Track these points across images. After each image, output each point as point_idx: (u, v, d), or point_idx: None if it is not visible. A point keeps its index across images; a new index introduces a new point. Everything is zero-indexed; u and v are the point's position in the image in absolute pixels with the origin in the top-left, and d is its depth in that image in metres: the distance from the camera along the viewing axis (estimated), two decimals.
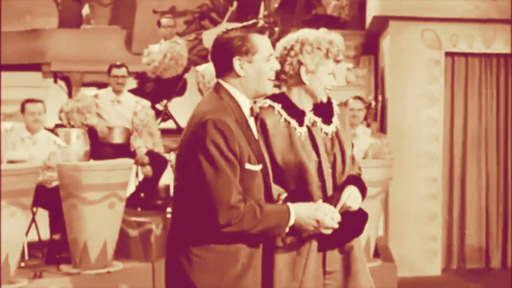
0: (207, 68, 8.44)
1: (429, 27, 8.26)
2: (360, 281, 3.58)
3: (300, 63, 3.45)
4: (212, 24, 10.23)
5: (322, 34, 3.50)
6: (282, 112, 3.45)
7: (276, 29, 9.59)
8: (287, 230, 3.20)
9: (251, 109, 3.25)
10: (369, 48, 9.76)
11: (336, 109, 3.58)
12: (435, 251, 8.18)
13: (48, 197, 6.63)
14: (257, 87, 3.21)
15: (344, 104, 7.54)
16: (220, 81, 3.21)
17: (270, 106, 3.47)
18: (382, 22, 8.59)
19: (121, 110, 7.89)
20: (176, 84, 9.03)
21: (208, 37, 9.17)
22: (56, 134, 7.53)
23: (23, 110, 6.89)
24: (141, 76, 9.19)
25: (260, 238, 3.24)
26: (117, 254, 6.74)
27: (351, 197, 3.43)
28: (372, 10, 8.61)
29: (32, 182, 6.03)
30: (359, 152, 7.35)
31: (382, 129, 8.58)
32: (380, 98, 8.72)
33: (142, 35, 10.53)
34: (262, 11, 9.86)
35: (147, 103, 8.08)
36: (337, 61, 3.52)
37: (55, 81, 9.47)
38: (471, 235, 8.36)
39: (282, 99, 3.50)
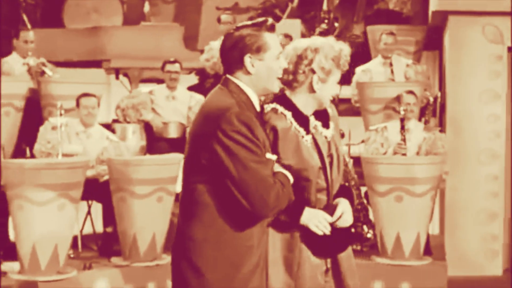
0: None
1: (490, 21, 8.06)
2: (345, 278, 3.60)
3: (313, 71, 3.49)
4: (275, 20, 10.23)
5: (332, 43, 3.52)
6: (293, 121, 3.51)
7: (336, 24, 9.57)
8: None
9: (261, 106, 3.30)
10: (434, 43, 9.63)
11: (329, 111, 3.65)
12: (495, 251, 7.99)
13: (101, 191, 6.78)
14: (266, 85, 3.26)
15: (397, 98, 7.48)
16: (230, 77, 3.25)
17: (281, 113, 3.53)
18: (442, 17, 8.45)
19: (176, 106, 8.01)
20: None
21: None
22: (113, 129, 7.71)
23: (77, 104, 7.09)
24: (201, 72, 9.27)
25: (265, 231, 3.29)
26: (168, 248, 6.83)
27: (344, 214, 3.53)
28: (432, 4, 8.48)
29: (81, 176, 6.18)
30: (413, 146, 7.25)
31: (441, 125, 8.45)
32: (439, 94, 8.59)
33: (207, 32, 10.61)
34: (324, 7, 9.83)
35: (201, 97, 8.16)
36: (343, 71, 3.55)
37: (117, 77, 9.66)
38: None
39: (287, 104, 3.55)
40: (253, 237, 3.22)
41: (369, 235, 7.23)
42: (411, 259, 6.75)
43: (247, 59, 3.19)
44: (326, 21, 9.43)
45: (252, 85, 3.23)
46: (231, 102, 3.16)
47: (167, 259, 6.74)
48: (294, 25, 9.31)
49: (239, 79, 3.23)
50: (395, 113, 7.54)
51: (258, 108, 3.28)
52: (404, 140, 7.20)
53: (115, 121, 8.01)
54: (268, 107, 3.54)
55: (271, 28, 3.24)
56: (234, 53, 3.21)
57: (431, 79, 9.53)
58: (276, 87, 3.29)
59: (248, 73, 3.21)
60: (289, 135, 3.48)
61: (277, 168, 3.30)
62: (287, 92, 3.57)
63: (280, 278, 3.48)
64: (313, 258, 3.52)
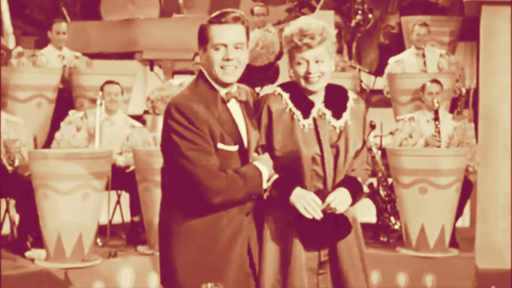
0: None
1: None
2: (344, 269, 3.57)
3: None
4: (311, 11, 10.25)
5: (291, 27, 3.55)
6: (289, 102, 3.54)
7: (370, 16, 9.54)
8: (265, 186, 3.38)
9: (227, 94, 3.38)
10: (471, 34, 9.51)
11: (350, 103, 3.63)
12: None
13: (128, 181, 6.89)
14: (212, 74, 3.36)
15: (422, 88, 7.42)
16: (200, 67, 3.42)
17: (279, 94, 3.57)
18: (476, 7, 8.33)
19: None
20: (268, 71, 9.10)
21: None
22: (144, 120, 7.83)
23: (102, 91, 7.20)
24: None
25: (242, 219, 3.34)
26: None
27: (336, 200, 3.48)
28: None
29: (105, 166, 6.28)
30: (443, 136, 7.19)
31: (476, 116, 8.34)
32: (472, 85, 8.50)
33: None
34: None
35: None
36: (301, 48, 3.48)
37: (151, 69, 9.76)
38: None
39: (293, 88, 3.58)
40: (221, 219, 3.30)
41: (396, 227, 7.21)
42: (436, 251, 6.70)
43: (199, 51, 3.39)
44: (359, 12, 9.42)
45: (207, 74, 3.36)
46: (182, 94, 3.35)
47: None
48: (327, 16, 9.29)
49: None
50: (422, 104, 7.48)
51: (224, 96, 3.37)
52: (438, 132, 7.16)
53: (146, 112, 8.11)
54: (269, 91, 3.62)
55: (232, 21, 3.32)
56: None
57: (468, 70, 9.44)
58: (221, 76, 3.34)
59: (200, 64, 3.42)
60: (283, 117, 3.51)
61: (258, 159, 3.37)
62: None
63: (273, 269, 3.50)
64: (304, 253, 3.50)
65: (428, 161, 6.61)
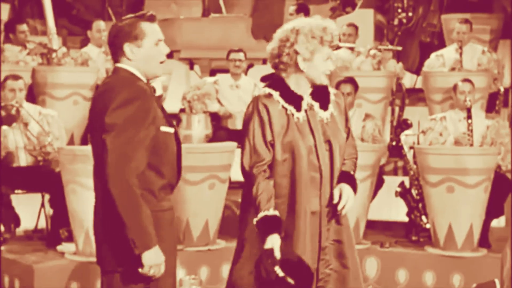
0: (336, 54, 8.57)
1: None
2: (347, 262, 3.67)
3: (296, 52, 3.65)
4: (353, 9, 10.23)
5: (315, 22, 3.69)
6: (280, 99, 3.70)
7: (410, 14, 9.49)
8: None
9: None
10: None
11: (332, 97, 3.83)
12: None
13: None
14: (147, 69, 3.52)
15: (454, 88, 7.33)
16: (118, 65, 3.53)
17: (269, 93, 3.71)
18: None
19: (240, 95, 8.18)
20: None
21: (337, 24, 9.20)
22: (179, 118, 7.95)
23: None
24: None
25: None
26: (224, 233, 6.98)
27: (350, 201, 3.72)
28: None
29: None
30: (476, 135, 7.11)
31: None
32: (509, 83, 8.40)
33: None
34: None
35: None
36: (331, 47, 3.67)
37: (191, 68, 9.88)
38: None
39: (280, 85, 3.73)
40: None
41: (427, 226, 7.15)
42: (464, 250, 6.63)
43: (127, 47, 3.48)
44: (399, 10, 9.39)
45: (137, 69, 3.50)
46: (124, 86, 3.51)
47: (220, 244, 6.91)
48: (366, 15, 9.30)
49: (126, 65, 3.51)
50: (455, 103, 7.39)
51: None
52: (471, 130, 7.09)
53: (182, 110, 8.23)
54: (260, 91, 3.79)
55: (150, 19, 3.55)
56: (116, 42, 3.51)
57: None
58: (159, 70, 3.56)
59: (129, 59, 3.50)
60: (278, 113, 3.67)
61: None
62: (283, 74, 3.73)
63: None
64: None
65: (455, 160, 6.55)
